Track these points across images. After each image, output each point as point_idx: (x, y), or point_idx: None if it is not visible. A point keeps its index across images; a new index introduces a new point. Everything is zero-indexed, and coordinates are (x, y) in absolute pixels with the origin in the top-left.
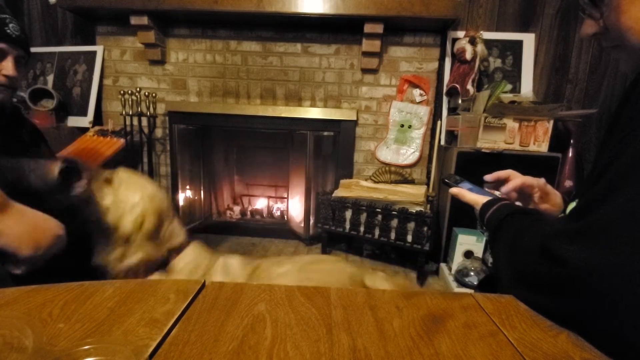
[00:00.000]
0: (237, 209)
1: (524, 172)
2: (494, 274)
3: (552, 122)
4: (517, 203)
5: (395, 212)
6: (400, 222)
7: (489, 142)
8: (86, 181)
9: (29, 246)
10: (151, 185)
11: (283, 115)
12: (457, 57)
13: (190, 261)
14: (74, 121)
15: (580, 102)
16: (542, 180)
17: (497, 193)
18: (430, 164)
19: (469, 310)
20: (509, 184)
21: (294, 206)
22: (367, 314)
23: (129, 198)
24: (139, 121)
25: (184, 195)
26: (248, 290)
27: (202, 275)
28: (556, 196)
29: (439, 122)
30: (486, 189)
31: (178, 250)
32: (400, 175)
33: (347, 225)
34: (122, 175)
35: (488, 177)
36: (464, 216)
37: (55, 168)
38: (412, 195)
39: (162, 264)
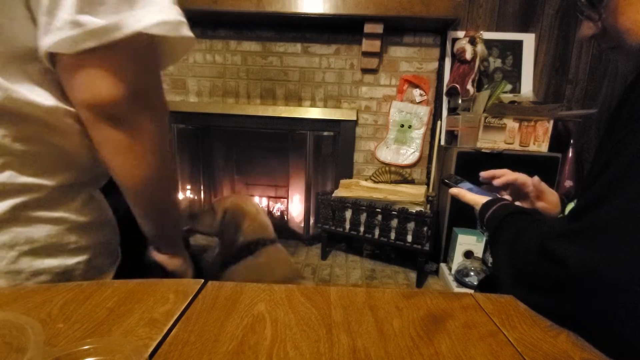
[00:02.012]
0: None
1: (524, 172)
2: (494, 274)
3: (552, 122)
4: (516, 203)
5: (395, 212)
6: (400, 222)
7: (489, 142)
8: None
9: None
10: (235, 195)
11: (283, 115)
12: (457, 57)
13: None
14: None
15: (580, 102)
16: (536, 178)
17: (496, 193)
18: (430, 164)
19: (469, 310)
20: (501, 178)
21: (294, 206)
22: (367, 314)
23: (221, 205)
24: None
25: (184, 195)
26: (248, 290)
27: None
28: (552, 194)
29: (439, 122)
30: (486, 189)
31: (269, 241)
32: (400, 175)
33: (347, 225)
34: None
35: (483, 174)
36: (464, 216)
37: None
38: (412, 195)
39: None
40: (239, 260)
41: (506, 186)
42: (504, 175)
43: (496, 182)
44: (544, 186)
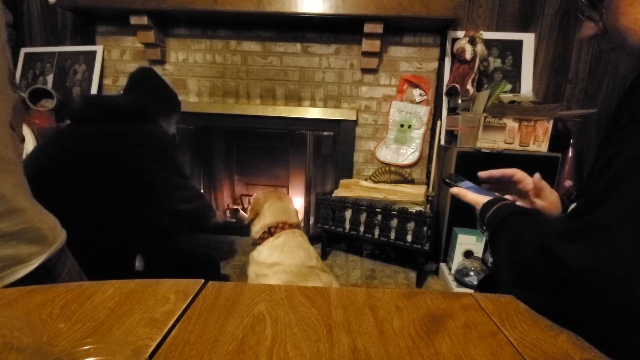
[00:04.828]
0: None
1: (525, 172)
2: (494, 274)
3: (551, 122)
4: (518, 203)
5: (395, 212)
6: (400, 222)
7: (489, 142)
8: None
9: None
10: (264, 190)
11: (283, 115)
12: (457, 57)
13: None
14: None
15: (580, 102)
16: (537, 176)
17: (497, 193)
18: (430, 163)
19: (469, 310)
20: (498, 170)
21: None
22: (367, 314)
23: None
24: None
25: None
26: (248, 290)
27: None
28: (551, 193)
29: (438, 122)
30: (487, 189)
31: (288, 225)
32: (400, 175)
33: (347, 225)
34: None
35: (481, 174)
36: (464, 216)
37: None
38: (411, 195)
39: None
40: (262, 242)
41: (506, 185)
42: (502, 170)
43: (494, 174)
44: (544, 184)
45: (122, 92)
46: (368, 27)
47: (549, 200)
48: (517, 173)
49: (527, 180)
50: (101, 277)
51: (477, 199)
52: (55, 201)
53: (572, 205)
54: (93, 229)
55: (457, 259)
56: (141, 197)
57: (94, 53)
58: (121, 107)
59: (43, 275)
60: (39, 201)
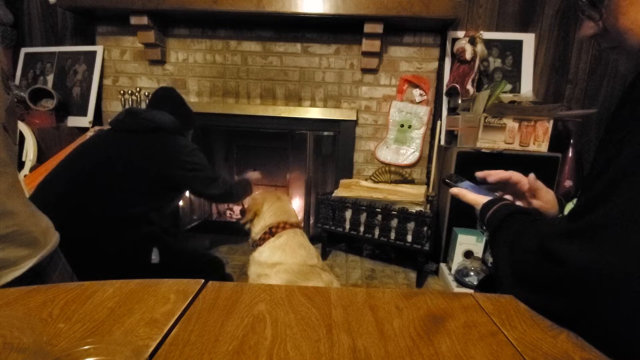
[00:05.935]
0: (237, 208)
1: (523, 172)
2: (494, 274)
3: (551, 122)
4: (518, 203)
5: (395, 212)
6: (400, 222)
7: (489, 142)
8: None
9: None
10: (263, 190)
11: (283, 115)
12: (457, 57)
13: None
14: (74, 121)
15: (580, 102)
16: (531, 176)
17: (497, 193)
18: (430, 164)
19: (469, 310)
20: (495, 175)
21: (294, 206)
22: (367, 314)
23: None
24: None
25: (184, 195)
26: (248, 290)
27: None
28: (548, 193)
29: (438, 122)
30: (486, 189)
31: (289, 224)
32: (400, 175)
33: (347, 225)
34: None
35: (479, 174)
36: (464, 216)
37: None
38: (412, 195)
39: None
40: (263, 242)
41: (504, 186)
42: (498, 173)
43: (490, 179)
44: (539, 184)
45: (145, 107)
46: (368, 27)
47: (545, 199)
48: (514, 175)
49: (523, 181)
50: (122, 263)
51: (477, 199)
52: (96, 194)
53: (569, 205)
54: (122, 221)
55: (457, 259)
56: (171, 192)
57: (94, 53)
58: (162, 122)
59: (33, 277)
60: (80, 193)
